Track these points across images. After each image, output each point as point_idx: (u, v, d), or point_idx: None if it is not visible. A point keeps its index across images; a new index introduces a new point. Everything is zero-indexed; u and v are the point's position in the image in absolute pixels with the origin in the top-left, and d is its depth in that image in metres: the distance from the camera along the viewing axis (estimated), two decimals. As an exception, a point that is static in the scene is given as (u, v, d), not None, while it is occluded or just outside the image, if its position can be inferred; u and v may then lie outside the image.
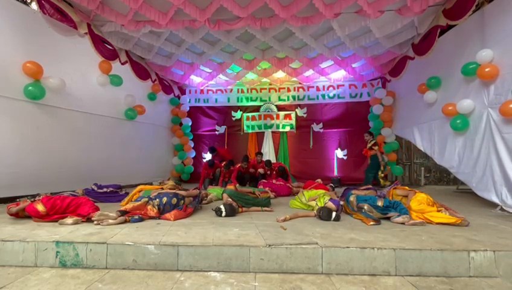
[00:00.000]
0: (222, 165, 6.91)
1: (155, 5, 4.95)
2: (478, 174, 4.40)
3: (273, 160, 8.53)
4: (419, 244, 2.39)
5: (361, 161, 8.40)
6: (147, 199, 3.41)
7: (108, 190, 4.81)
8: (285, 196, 5.58)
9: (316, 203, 3.72)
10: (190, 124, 9.06)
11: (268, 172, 6.84)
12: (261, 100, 9.12)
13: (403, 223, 3.08)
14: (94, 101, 5.86)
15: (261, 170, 6.82)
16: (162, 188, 4.05)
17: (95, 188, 4.77)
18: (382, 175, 6.60)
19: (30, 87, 4.48)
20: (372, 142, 6.77)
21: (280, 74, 8.44)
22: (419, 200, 3.38)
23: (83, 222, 3.11)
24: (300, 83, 8.83)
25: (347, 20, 5.47)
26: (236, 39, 6.42)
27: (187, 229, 2.83)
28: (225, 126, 9.20)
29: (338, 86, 8.67)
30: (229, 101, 9.23)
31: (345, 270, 2.28)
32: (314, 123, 8.79)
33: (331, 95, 8.76)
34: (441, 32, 5.13)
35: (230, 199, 3.89)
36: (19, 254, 2.42)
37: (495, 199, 4.03)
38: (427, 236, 2.63)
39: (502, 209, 3.91)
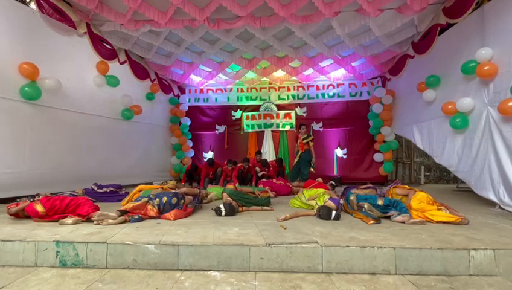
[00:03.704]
0: (224, 164, 6.96)
1: (154, 4, 4.93)
2: (476, 173, 4.40)
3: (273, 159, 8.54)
4: (419, 243, 2.39)
5: (361, 160, 8.42)
6: (146, 199, 3.41)
7: (108, 190, 4.81)
8: (285, 195, 5.58)
9: (316, 203, 3.72)
10: (189, 123, 9.05)
11: (266, 170, 6.87)
12: (261, 99, 9.11)
13: (403, 222, 3.08)
14: (91, 102, 5.85)
15: (257, 169, 6.87)
16: (162, 188, 4.06)
17: (95, 188, 4.78)
18: (313, 171, 6.80)
19: (26, 88, 4.47)
20: (311, 138, 6.84)
21: (280, 73, 8.43)
22: (419, 199, 3.38)
23: (82, 221, 3.11)
24: (300, 82, 8.82)
25: (347, 19, 5.46)
26: (235, 38, 6.41)
27: (187, 229, 2.83)
28: (225, 125, 9.19)
29: (338, 85, 8.67)
30: (228, 100, 9.22)
31: (345, 269, 2.28)
32: (314, 122, 8.77)
33: (330, 94, 8.75)
34: (441, 31, 5.12)
35: (230, 199, 3.89)
36: (19, 253, 2.42)
37: (493, 198, 4.04)
38: (427, 235, 2.63)
39: (500, 207, 3.91)
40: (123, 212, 3.16)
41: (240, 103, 9.19)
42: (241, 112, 9.16)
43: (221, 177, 6.95)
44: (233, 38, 6.33)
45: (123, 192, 5.00)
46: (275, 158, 8.66)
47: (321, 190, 4.16)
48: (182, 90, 9.20)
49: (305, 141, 6.76)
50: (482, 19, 4.30)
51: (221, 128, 9.20)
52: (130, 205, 3.31)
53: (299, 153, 6.84)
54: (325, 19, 5.25)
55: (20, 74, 4.44)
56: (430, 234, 2.65)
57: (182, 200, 3.65)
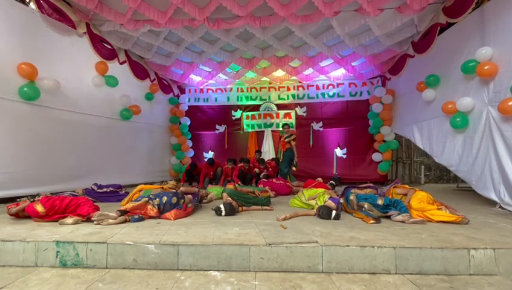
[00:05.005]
0: (224, 163, 6.96)
1: (154, 4, 4.93)
2: (477, 172, 4.40)
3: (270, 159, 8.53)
4: (420, 242, 2.39)
5: (361, 160, 8.41)
6: (146, 199, 3.41)
7: (108, 190, 4.82)
8: (285, 195, 5.58)
9: (316, 202, 3.72)
10: (189, 123, 9.06)
11: (265, 171, 6.88)
12: (261, 99, 9.12)
13: (403, 222, 3.08)
14: (90, 102, 5.84)
15: (256, 170, 6.89)
16: (163, 188, 4.06)
17: (95, 188, 4.78)
18: (295, 170, 6.75)
19: (25, 88, 4.47)
20: (293, 137, 6.80)
21: (280, 73, 8.43)
22: (419, 199, 3.38)
23: (83, 221, 3.11)
24: (300, 82, 8.82)
25: (347, 18, 5.46)
26: (235, 38, 6.40)
27: (187, 229, 2.83)
28: (225, 125, 9.20)
29: (338, 85, 8.67)
30: (228, 100, 9.23)
31: (345, 269, 2.28)
32: (314, 122, 8.78)
33: (330, 93, 8.75)
34: (441, 30, 5.12)
35: (230, 198, 3.89)
36: (19, 254, 2.42)
37: (494, 197, 4.04)
38: (427, 234, 2.63)
39: (501, 207, 3.91)
40: (123, 212, 3.16)
41: (239, 103, 9.20)
42: (241, 111, 9.17)
43: (221, 177, 6.96)
44: (233, 38, 6.32)
45: (123, 192, 5.00)
46: (272, 158, 8.69)
47: (321, 190, 4.16)
48: (182, 90, 9.20)
49: (287, 140, 6.76)
50: (482, 19, 4.30)
51: (221, 128, 9.20)
52: (130, 205, 3.31)
53: (282, 152, 6.83)
54: (325, 19, 5.25)
55: (19, 74, 4.44)
56: (430, 234, 2.65)
57: (182, 200, 3.65)
